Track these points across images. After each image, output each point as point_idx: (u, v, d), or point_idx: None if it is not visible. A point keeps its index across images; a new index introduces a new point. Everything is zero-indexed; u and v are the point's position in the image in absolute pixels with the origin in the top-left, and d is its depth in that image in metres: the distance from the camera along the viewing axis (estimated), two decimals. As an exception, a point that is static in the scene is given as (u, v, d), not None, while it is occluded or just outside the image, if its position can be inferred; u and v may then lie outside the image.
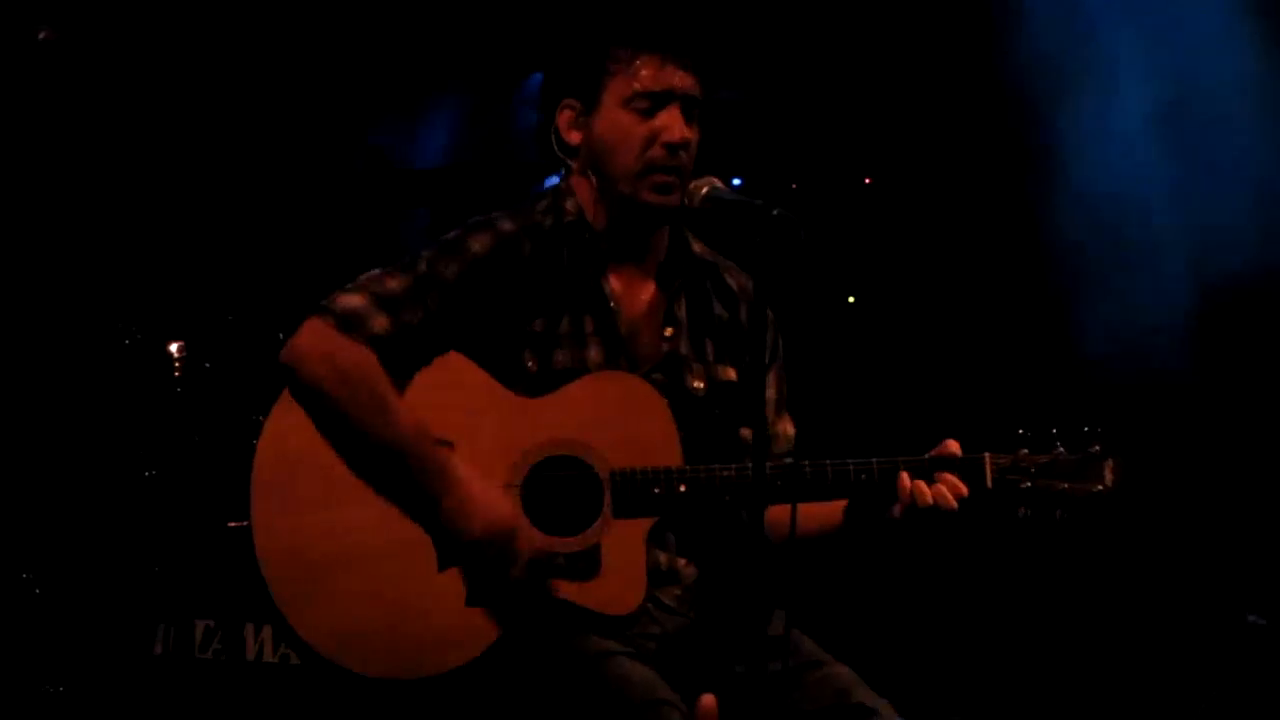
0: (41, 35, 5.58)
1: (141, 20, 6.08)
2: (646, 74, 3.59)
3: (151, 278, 5.99)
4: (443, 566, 3.41)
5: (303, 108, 6.57)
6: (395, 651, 3.37)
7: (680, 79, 3.59)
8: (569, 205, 3.67)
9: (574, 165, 3.69)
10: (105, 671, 5.17)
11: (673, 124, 3.57)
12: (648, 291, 3.70)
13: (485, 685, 3.39)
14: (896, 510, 3.46)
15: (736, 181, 6.53)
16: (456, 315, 3.52)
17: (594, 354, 3.58)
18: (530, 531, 3.45)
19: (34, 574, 5.29)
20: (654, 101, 3.58)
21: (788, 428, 3.81)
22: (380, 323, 3.47)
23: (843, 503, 3.59)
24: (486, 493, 3.42)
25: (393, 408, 3.44)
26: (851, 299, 6.72)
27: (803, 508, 3.53)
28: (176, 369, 5.44)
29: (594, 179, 3.65)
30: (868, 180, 6.76)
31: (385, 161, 6.71)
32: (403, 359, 3.48)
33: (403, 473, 3.42)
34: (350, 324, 3.46)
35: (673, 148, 3.56)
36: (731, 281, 3.79)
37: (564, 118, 3.68)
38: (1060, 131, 6.09)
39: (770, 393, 3.79)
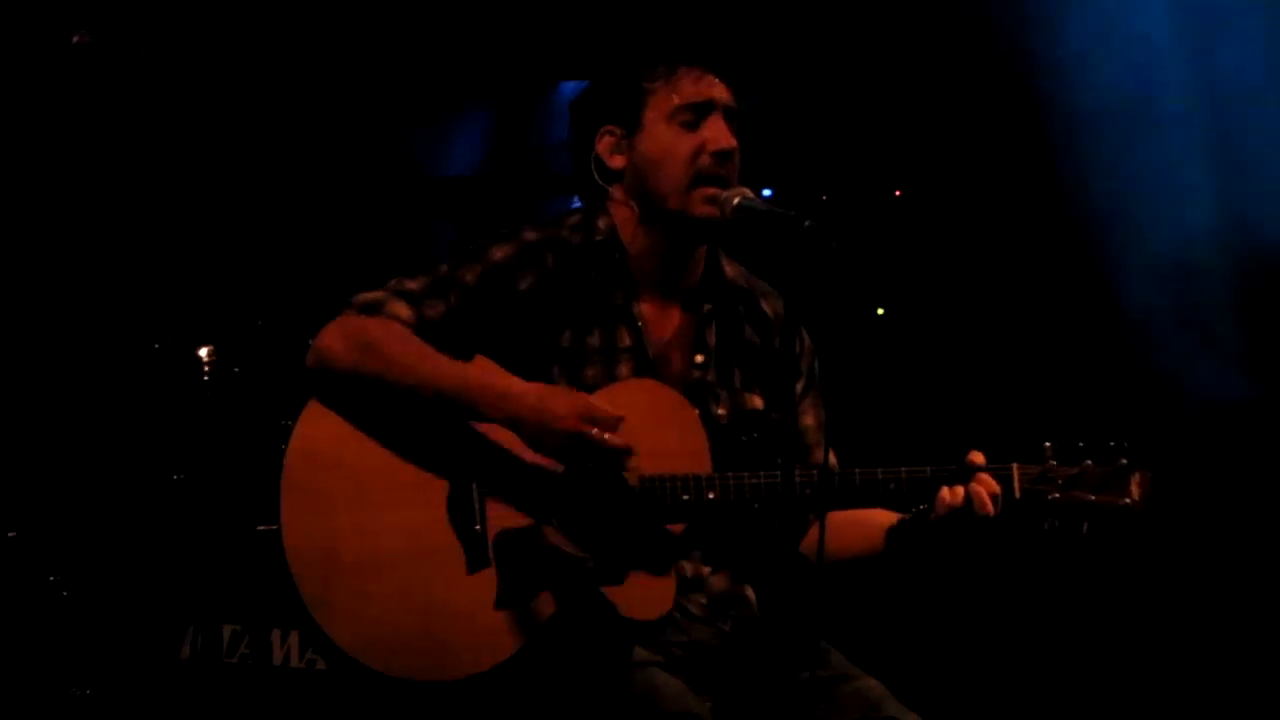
0: (75, 39, 5.59)
1: (175, 27, 6.10)
2: (688, 86, 3.61)
3: (181, 283, 6.00)
4: (472, 569, 3.42)
5: (335, 114, 6.58)
6: (423, 654, 3.37)
7: (719, 90, 3.63)
8: (601, 224, 3.67)
9: (615, 191, 3.69)
10: (132, 674, 5.18)
11: (719, 133, 3.59)
12: (675, 316, 3.70)
13: (513, 690, 3.38)
14: (932, 516, 3.46)
15: (767, 192, 6.53)
16: (476, 317, 3.53)
17: (624, 371, 3.59)
18: (558, 533, 3.46)
19: (61, 576, 5.30)
20: (697, 113, 3.59)
21: (830, 457, 3.79)
22: (401, 309, 3.50)
23: (883, 527, 3.59)
24: (551, 388, 3.44)
25: (432, 353, 3.46)
26: (880, 310, 6.71)
27: (842, 533, 3.55)
28: (206, 373, 5.45)
29: (636, 204, 3.65)
30: (898, 192, 6.75)
31: (417, 169, 6.72)
32: None
33: (461, 411, 3.43)
34: (371, 308, 3.51)
35: (721, 156, 3.57)
36: (767, 308, 3.79)
37: (605, 144, 3.68)
38: (1094, 141, 6.08)
39: (808, 420, 3.80)
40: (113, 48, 5.68)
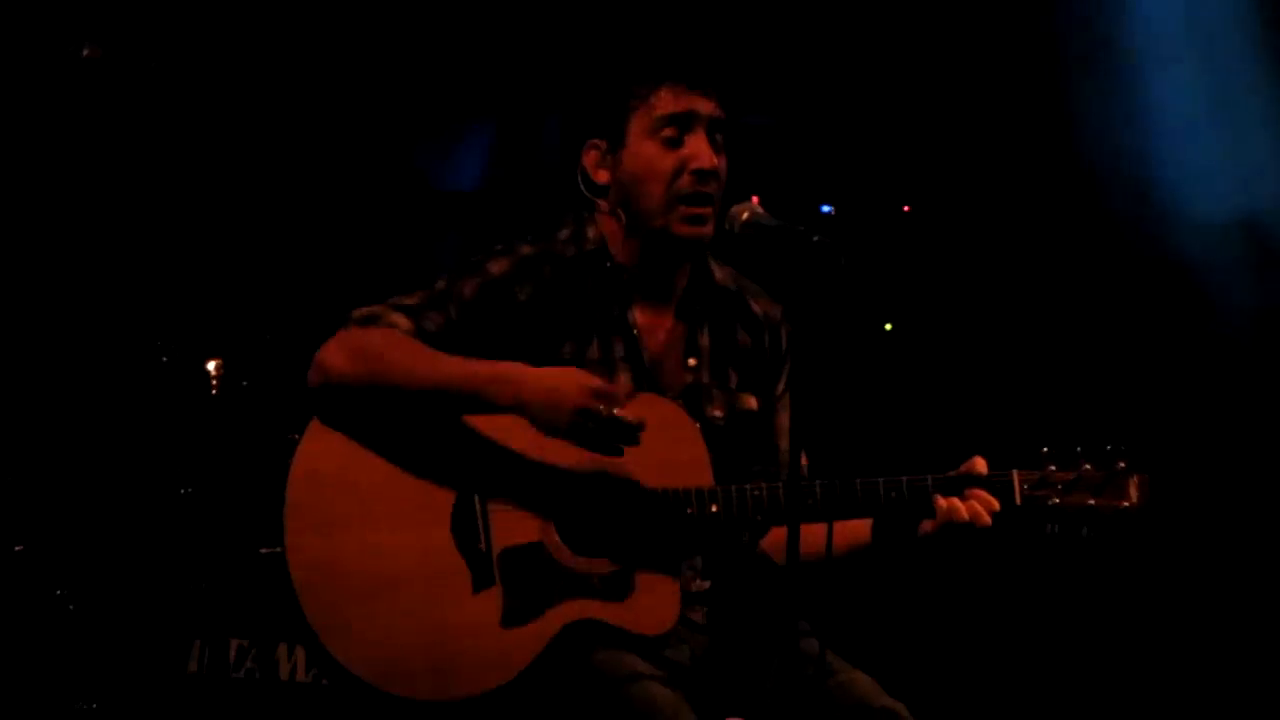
0: (85, 53, 5.60)
1: (182, 42, 6.12)
2: (667, 100, 3.60)
3: (188, 296, 6.01)
4: (477, 589, 3.41)
5: (341, 129, 6.59)
6: (429, 674, 3.36)
7: (703, 103, 3.61)
8: (591, 234, 3.68)
9: (602, 205, 3.70)
10: (138, 689, 5.18)
11: (700, 151, 3.58)
12: (668, 322, 3.71)
13: (516, 707, 3.38)
14: (930, 526, 3.46)
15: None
16: (475, 329, 3.52)
17: (623, 380, 3.60)
18: (562, 549, 3.45)
19: (68, 590, 5.30)
20: (679, 127, 3.59)
21: (802, 456, 3.80)
22: (400, 320, 3.49)
23: (869, 521, 3.59)
24: (559, 371, 3.40)
25: (432, 352, 3.44)
26: (889, 326, 6.71)
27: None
28: (214, 387, 5.45)
29: (623, 217, 3.65)
30: (906, 208, 6.75)
31: (425, 184, 6.72)
32: None
33: (467, 403, 3.40)
34: (370, 321, 3.50)
35: (701, 174, 3.57)
36: (757, 309, 3.81)
37: (590, 158, 3.69)
38: (1095, 155, 6.09)
39: (783, 419, 3.81)
40: (121, 61, 5.68)
